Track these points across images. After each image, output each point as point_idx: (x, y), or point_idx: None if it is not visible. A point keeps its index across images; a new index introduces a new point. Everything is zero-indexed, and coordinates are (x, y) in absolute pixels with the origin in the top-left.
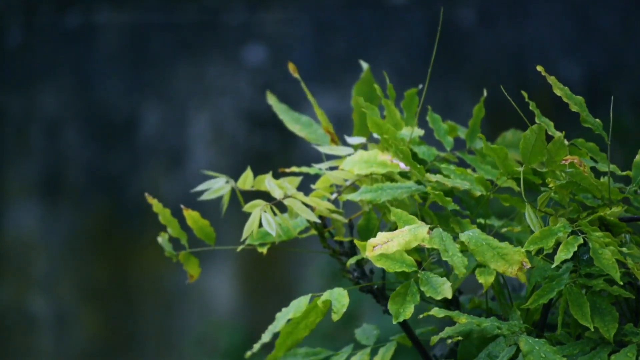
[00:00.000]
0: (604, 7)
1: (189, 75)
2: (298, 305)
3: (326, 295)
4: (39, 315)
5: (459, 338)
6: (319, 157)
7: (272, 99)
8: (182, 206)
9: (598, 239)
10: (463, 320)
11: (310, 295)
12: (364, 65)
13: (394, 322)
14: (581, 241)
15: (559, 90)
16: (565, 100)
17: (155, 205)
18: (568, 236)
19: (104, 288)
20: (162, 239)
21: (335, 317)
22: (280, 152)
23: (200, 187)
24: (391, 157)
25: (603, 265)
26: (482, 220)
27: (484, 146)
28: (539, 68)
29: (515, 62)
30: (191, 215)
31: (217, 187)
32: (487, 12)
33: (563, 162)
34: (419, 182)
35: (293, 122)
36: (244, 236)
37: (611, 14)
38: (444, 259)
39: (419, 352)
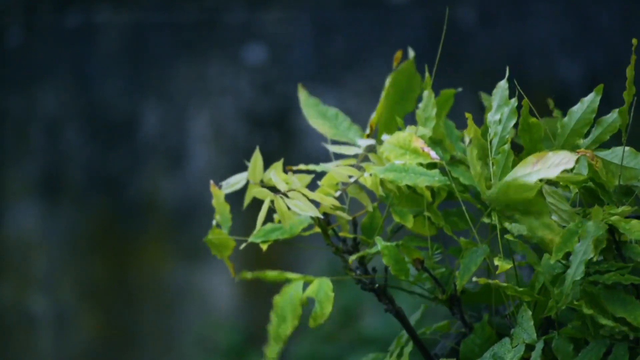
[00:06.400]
0: (604, 6)
1: (189, 75)
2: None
3: (312, 288)
4: (39, 315)
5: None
6: (318, 157)
7: (302, 94)
8: (211, 181)
9: (616, 219)
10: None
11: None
12: (411, 53)
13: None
14: (606, 227)
15: None
16: None
17: (212, 187)
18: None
19: (104, 288)
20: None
21: (312, 323)
22: (280, 152)
23: (223, 184)
24: (424, 144)
25: (634, 234)
26: (485, 220)
27: (522, 120)
28: None
29: (515, 62)
30: (217, 194)
31: (235, 180)
32: (487, 12)
33: (576, 154)
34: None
35: (318, 116)
36: (257, 227)
37: (611, 13)
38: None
39: (420, 351)
